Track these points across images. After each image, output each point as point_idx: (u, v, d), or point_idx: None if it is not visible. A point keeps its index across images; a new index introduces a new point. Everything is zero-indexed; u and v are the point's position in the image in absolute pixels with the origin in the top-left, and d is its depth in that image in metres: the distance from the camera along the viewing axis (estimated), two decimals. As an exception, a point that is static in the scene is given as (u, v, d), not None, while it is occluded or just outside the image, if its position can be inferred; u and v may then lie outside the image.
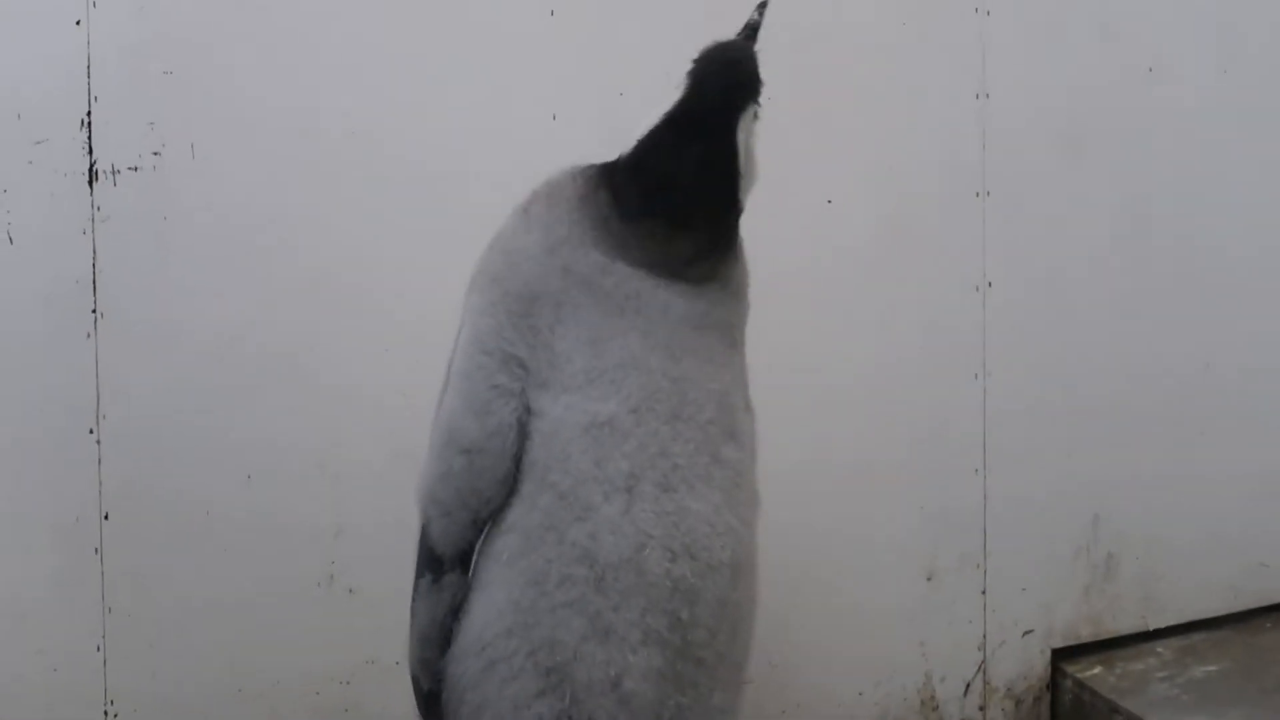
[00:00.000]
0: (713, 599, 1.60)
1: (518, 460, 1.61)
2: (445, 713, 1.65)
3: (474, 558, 1.65)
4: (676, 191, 1.66)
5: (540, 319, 1.63)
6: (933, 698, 2.73)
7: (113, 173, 2.17)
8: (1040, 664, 2.83)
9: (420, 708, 1.72)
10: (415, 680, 1.70)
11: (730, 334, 1.72)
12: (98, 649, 2.18)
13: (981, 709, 2.77)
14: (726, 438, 1.65)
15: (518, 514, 1.60)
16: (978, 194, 2.72)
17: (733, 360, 1.72)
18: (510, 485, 1.61)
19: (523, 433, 1.61)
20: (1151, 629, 2.93)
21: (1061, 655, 2.84)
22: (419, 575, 1.67)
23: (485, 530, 1.64)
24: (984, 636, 2.77)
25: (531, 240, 1.68)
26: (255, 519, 2.26)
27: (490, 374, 1.62)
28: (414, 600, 1.68)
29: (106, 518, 2.18)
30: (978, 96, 2.71)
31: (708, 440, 1.63)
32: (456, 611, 1.63)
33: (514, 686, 1.57)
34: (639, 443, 1.59)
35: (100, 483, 2.18)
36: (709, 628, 1.60)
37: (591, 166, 1.72)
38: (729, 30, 2.45)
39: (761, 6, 1.76)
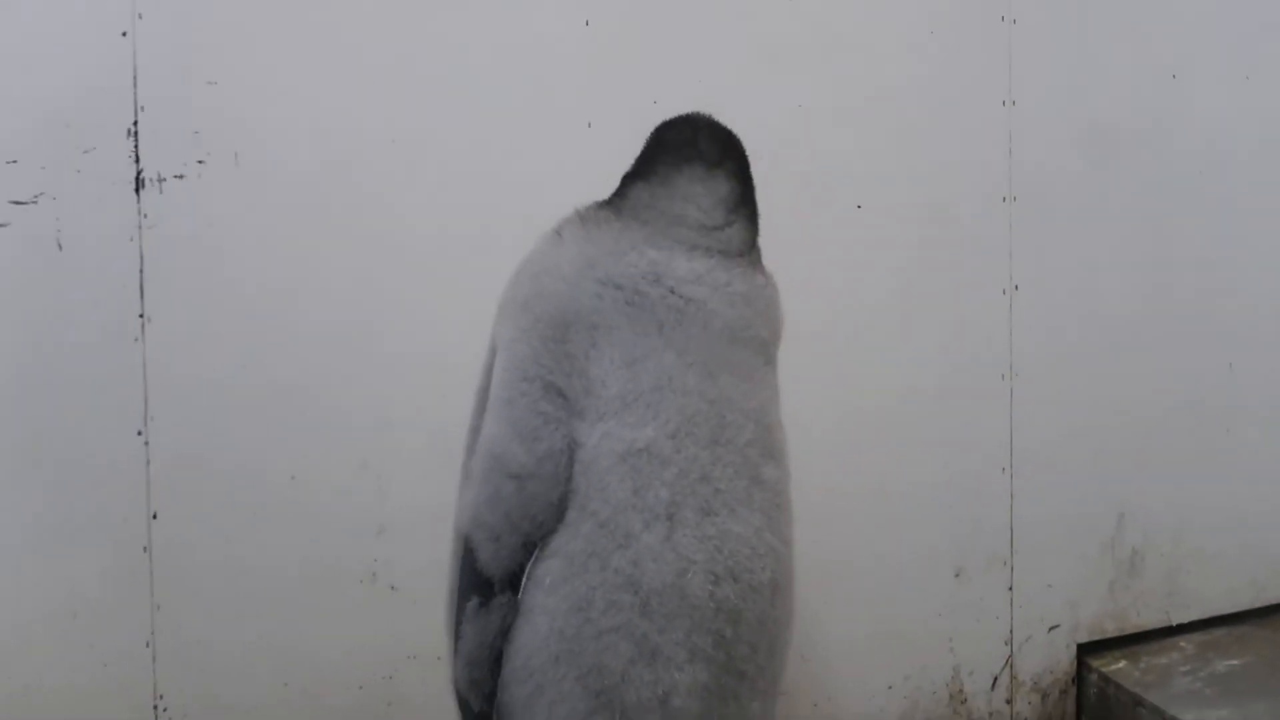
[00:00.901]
0: (754, 618, 1.63)
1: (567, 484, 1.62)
2: None
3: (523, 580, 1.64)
4: (705, 139, 1.76)
5: (575, 345, 1.64)
6: (961, 691, 2.76)
7: (159, 180, 2.20)
8: (1066, 658, 2.86)
9: None
10: (464, 702, 1.68)
11: (766, 350, 1.74)
12: (147, 645, 2.22)
13: (1008, 702, 2.81)
14: (766, 458, 1.67)
15: (561, 540, 1.61)
16: (1005, 199, 2.74)
17: (768, 378, 1.74)
18: (562, 510, 1.61)
19: (573, 458, 1.61)
20: (1175, 624, 2.97)
21: (1087, 650, 2.88)
22: (464, 597, 1.65)
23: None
24: (1011, 632, 2.80)
25: (564, 257, 1.68)
26: (299, 518, 2.30)
27: (534, 401, 1.63)
28: (459, 623, 1.66)
29: (155, 517, 2.22)
30: (1004, 103, 2.73)
31: (747, 462, 1.65)
32: (506, 633, 1.63)
33: (564, 708, 1.59)
34: (680, 469, 1.60)
35: (148, 483, 2.21)
36: (751, 644, 1.63)
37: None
38: (759, 37, 2.49)
39: None
